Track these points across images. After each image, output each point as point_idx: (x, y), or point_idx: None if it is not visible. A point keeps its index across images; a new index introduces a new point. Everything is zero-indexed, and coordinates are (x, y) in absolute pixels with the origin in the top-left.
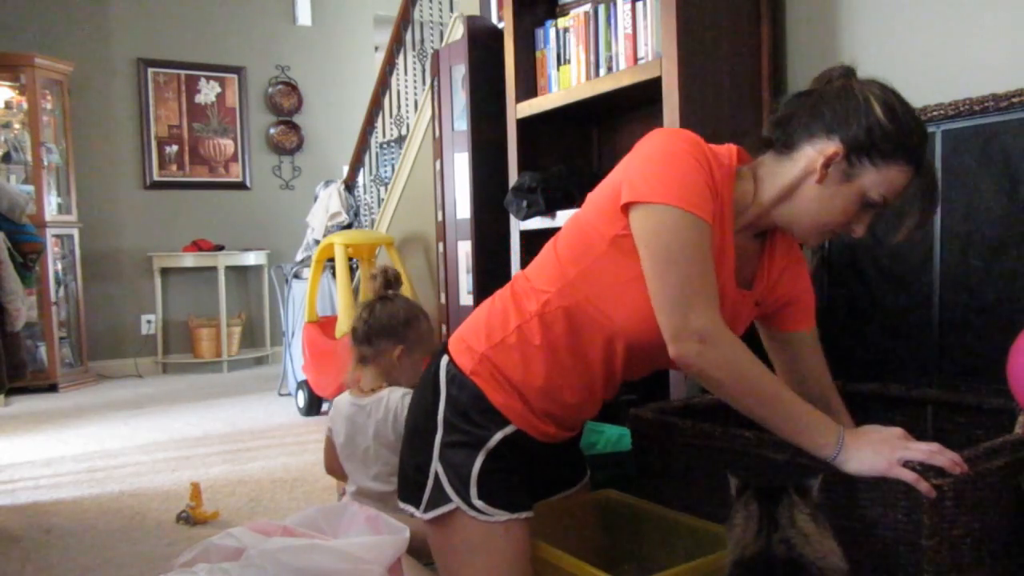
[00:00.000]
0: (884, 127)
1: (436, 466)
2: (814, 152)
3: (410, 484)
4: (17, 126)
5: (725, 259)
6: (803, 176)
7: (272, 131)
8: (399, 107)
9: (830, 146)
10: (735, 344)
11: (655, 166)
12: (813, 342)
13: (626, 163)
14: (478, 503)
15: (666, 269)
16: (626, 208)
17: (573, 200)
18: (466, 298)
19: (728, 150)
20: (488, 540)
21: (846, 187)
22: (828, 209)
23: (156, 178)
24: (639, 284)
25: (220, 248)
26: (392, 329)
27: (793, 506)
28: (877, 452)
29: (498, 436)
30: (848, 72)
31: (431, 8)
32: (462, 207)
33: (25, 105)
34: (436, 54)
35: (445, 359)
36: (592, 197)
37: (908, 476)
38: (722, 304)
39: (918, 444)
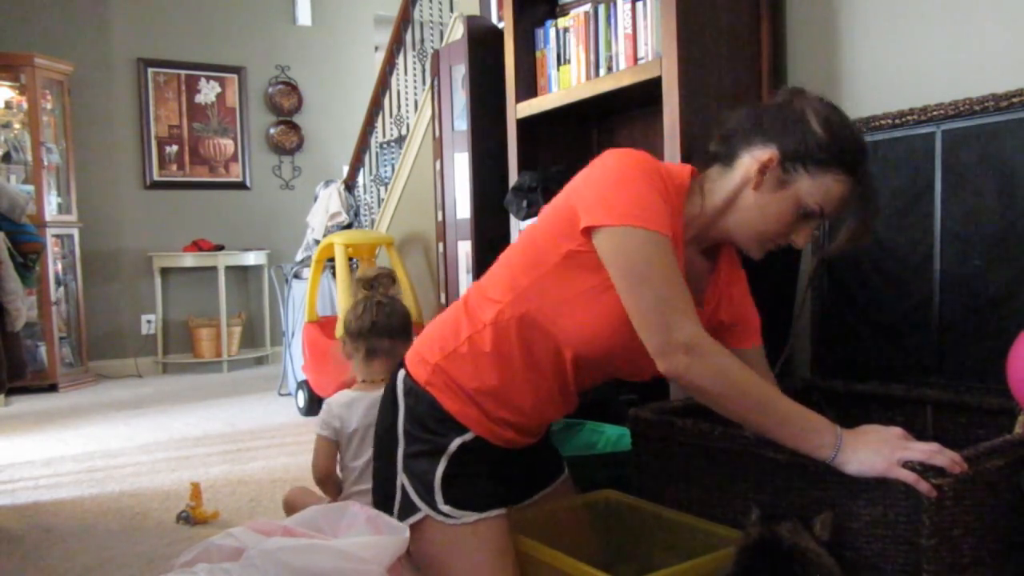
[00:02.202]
0: (818, 136)
1: (401, 478)
2: (751, 160)
3: (381, 496)
4: (17, 126)
5: None
6: (742, 184)
7: (272, 131)
8: (399, 107)
9: (766, 153)
10: (722, 352)
11: (610, 188)
12: (760, 358)
13: (580, 184)
14: (445, 508)
15: (639, 289)
16: (587, 232)
17: None
18: None
19: (681, 168)
20: (461, 542)
21: (781, 194)
22: (765, 217)
23: (156, 178)
24: (586, 298)
25: (220, 248)
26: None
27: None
28: (876, 452)
29: (456, 442)
30: (795, 91)
31: (431, 8)
32: (462, 207)
33: (25, 105)
34: (436, 54)
35: (402, 373)
36: (545, 212)
37: (908, 477)
38: None
39: (917, 444)
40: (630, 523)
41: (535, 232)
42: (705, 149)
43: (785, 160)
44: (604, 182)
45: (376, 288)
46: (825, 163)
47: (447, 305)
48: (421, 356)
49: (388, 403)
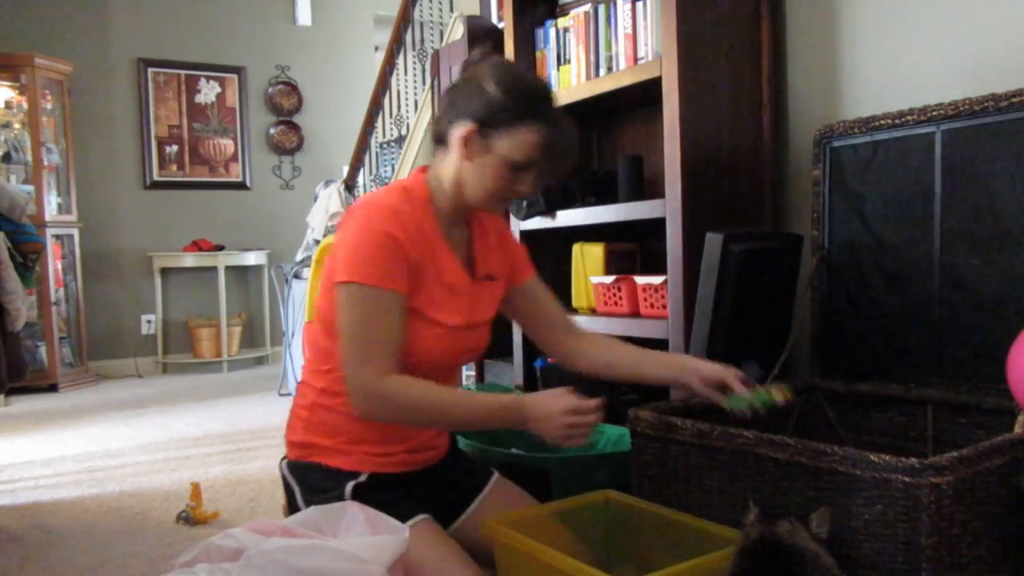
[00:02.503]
0: (497, 99)
1: None
2: (457, 135)
3: None
4: (17, 126)
5: (445, 266)
6: (459, 160)
7: (272, 131)
8: (399, 107)
9: (464, 127)
10: (396, 386)
11: (346, 249)
12: (536, 287)
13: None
14: None
15: (345, 334)
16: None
17: (573, 200)
18: None
19: (414, 177)
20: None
21: (490, 157)
22: (484, 180)
23: (156, 178)
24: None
25: (220, 248)
26: None
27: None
28: (547, 431)
29: (350, 485)
30: (473, 63)
31: (431, 8)
32: None
33: (25, 105)
34: (436, 54)
35: (283, 463)
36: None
37: (580, 442)
38: (459, 300)
39: (579, 407)
40: (630, 523)
41: (321, 303)
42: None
43: (480, 128)
44: (344, 244)
45: None
46: (510, 120)
47: None
48: (288, 440)
49: (284, 492)
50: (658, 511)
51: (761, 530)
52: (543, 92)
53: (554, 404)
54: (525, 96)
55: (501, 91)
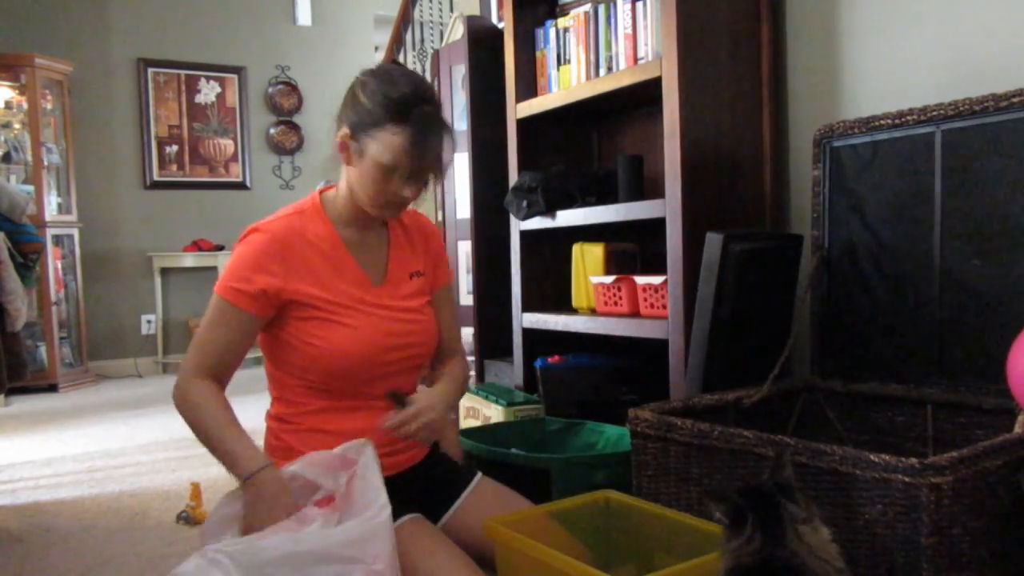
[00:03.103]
0: (363, 104)
1: None
2: (336, 142)
3: None
4: (17, 126)
5: (346, 267)
6: (344, 166)
7: (272, 131)
8: None
9: (342, 132)
10: (195, 388)
11: (226, 266)
12: (449, 300)
13: None
14: None
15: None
16: None
17: (573, 200)
18: (466, 298)
19: (310, 197)
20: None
21: (366, 161)
22: (364, 183)
23: (156, 178)
24: (297, 345)
25: (220, 248)
26: None
27: (793, 520)
28: (255, 513)
29: None
30: (361, 73)
31: (431, 8)
32: (462, 207)
33: (25, 105)
34: (436, 54)
35: None
36: None
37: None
38: (359, 309)
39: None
40: (630, 523)
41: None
42: None
43: (353, 133)
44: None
45: None
46: (375, 124)
47: None
48: (264, 447)
49: None
50: (658, 511)
51: (761, 559)
52: (411, 95)
53: (273, 509)
54: (390, 100)
55: (368, 96)
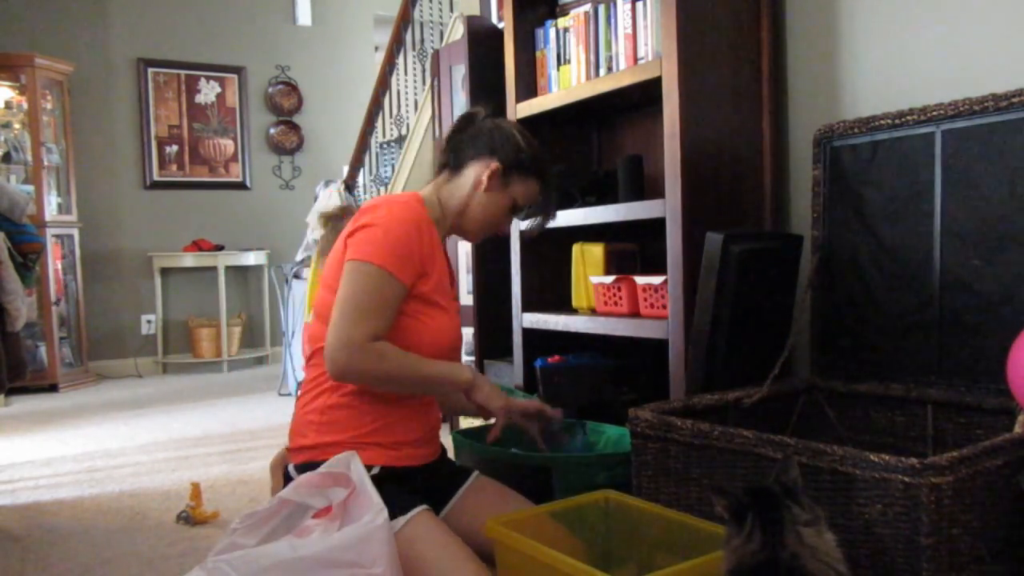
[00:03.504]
0: (525, 151)
1: None
2: (480, 168)
3: None
4: (17, 126)
5: (442, 269)
6: (473, 189)
7: (272, 131)
8: (399, 107)
9: (492, 163)
10: (383, 345)
11: (367, 235)
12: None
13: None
14: None
15: (346, 299)
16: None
17: (573, 200)
18: (466, 298)
19: (413, 197)
20: (407, 546)
21: (503, 195)
22: (492, 212)
23: (156, 178)
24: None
25: (220, 248)
26: None
27: (795, 521)
28: (497, 393)
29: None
30: (491, 114)
31: (431, 8)
32: None
33: (25, 105)
34: (436, 54)
35: (289, 466)
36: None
37: (500, 424)
38: (450, 301)
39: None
40: (630, 523)
41: (323, 297)
42: (439, 161)
43: (506, 168)
44: (364, 232)
45: (339, 223)
46: (529, 171)
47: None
48: (299, 446)
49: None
50: (658, 511)
51: (762, 558)
52: (547, 156)
53: (495, 388)
54: (542, 155)
55: (527, 145)
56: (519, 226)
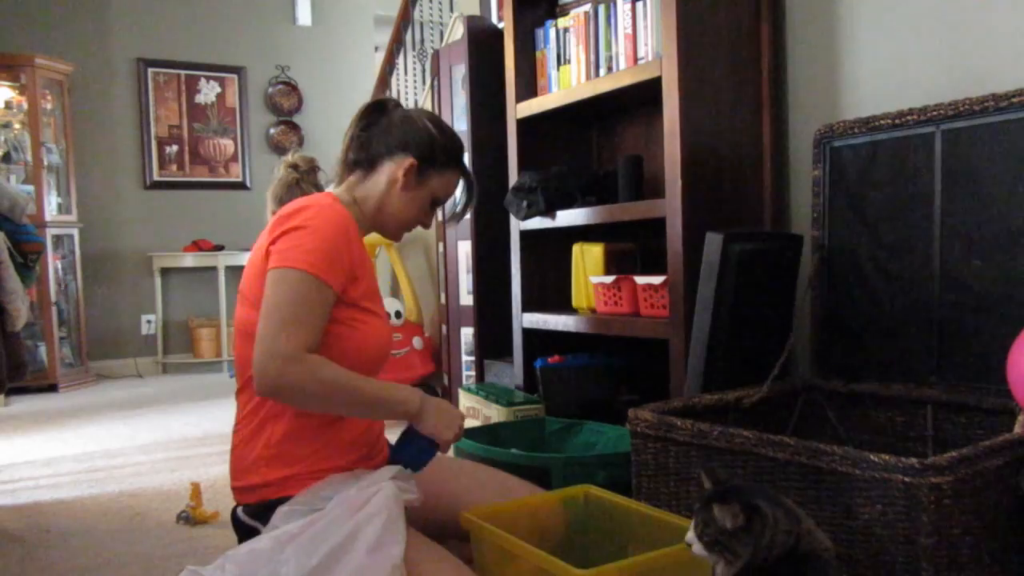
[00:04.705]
0: (440, 142)
1: None
2: (394, 166)
3: None
4: (17, 126)
5: (370, 270)
6: (388, 187)
7: (272, 131)
8: None
9: (407, 160)
10: (317, 360)
11: (292, 241)
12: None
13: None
14: None
15: (272, 309)
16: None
17: (573, 200)
18: (466, 298)
19: (329, 195)
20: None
21: (421, 191)
22: (410, 209)
23: (156, 178)
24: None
25: (220, 248)
26: None
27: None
28: (446, 423)
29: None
30: (399, 103)
31: (431, 8)
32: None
33: (25, 105)
34: (436, 54)
35: (239, 511)
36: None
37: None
38: (379, 305)
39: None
40: (607, 518)
41: (245, 315)
42: (350, 158)
43: (421, 163)
44: (288, 238)
45: (302, 178)
46: (446, 163)
47: (447, 305)
48: (248, 485)
49: (245, 538)
50: (637, 507)
51: (790, 545)
52: (462, 144)
53: (450, 411)
54: (457, 144)
55: (440, 135)
56: (519, 225)
